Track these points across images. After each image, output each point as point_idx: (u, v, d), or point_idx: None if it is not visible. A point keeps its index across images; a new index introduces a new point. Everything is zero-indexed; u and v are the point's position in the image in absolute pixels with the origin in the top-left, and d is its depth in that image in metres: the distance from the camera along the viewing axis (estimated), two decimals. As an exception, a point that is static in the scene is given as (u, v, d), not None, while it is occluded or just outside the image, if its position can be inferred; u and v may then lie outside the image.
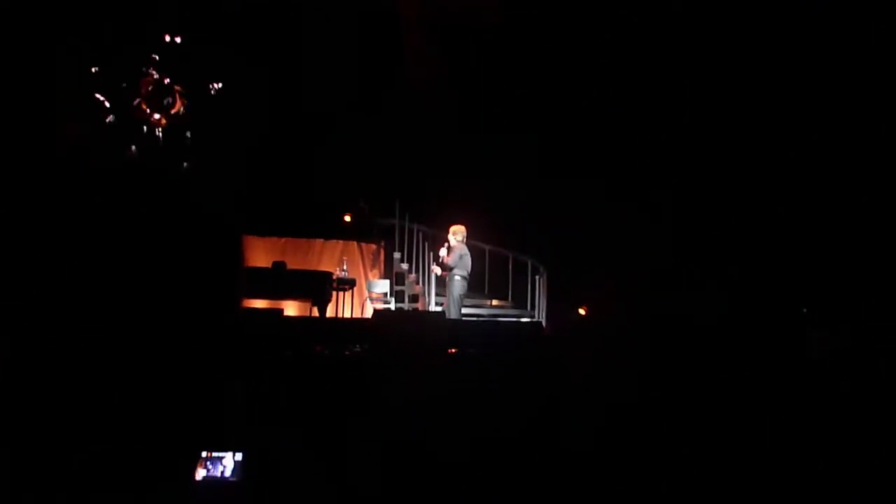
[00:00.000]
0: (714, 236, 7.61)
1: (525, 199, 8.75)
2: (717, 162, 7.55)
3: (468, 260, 7.29)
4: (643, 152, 8.15)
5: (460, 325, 6.33)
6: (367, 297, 8.70)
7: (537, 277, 8.58)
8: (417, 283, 8.74)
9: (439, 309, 7.94)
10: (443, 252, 7.37)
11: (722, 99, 7.25)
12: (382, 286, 8.77)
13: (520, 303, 8.83)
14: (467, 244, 7.43)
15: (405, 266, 8.78)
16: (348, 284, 7.89)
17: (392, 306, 8.49)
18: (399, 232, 8.97)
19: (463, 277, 7.19)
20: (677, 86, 7.48)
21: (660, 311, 7.27)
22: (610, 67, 7.87)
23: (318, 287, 6.97)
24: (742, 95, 7.10)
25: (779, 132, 7.02)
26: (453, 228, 7.39)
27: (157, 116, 8.07)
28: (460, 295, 7.13)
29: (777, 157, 7.09)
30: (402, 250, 8.92)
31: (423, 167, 8.81)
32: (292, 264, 7.67)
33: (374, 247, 9.42)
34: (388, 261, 9.12)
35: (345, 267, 8.04)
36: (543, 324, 7.82)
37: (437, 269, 7.47)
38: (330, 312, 7.35)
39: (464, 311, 7.34)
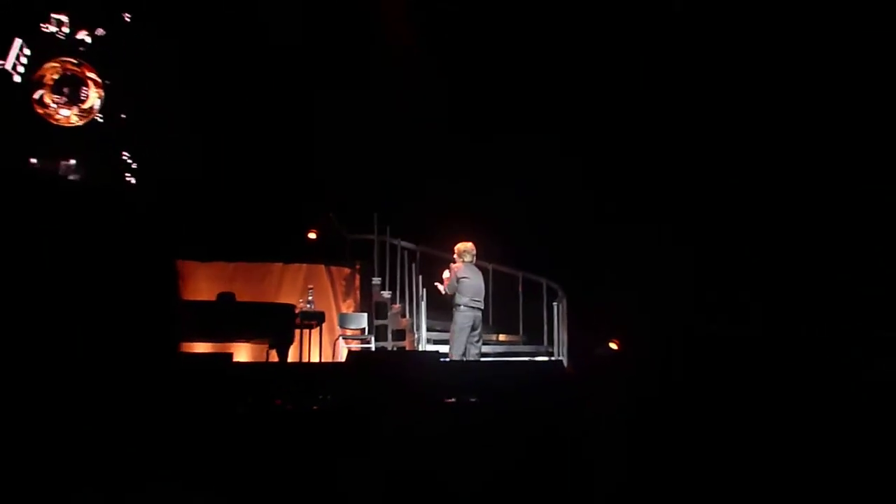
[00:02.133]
0: (768, 247, 7.82)
1: (535, 208, 9.00)
2: (767, 160, 7.75)
3: (474, 284, 7.21)
4: (678, 150, 8.42)
5: (460, 367, 6.29)
6: (340, 334, 8.72)
7: (555, 304, 8.63)
8: (404, 315, 8.82)
9: (432, 348, 8.02)
10: (445, 275, 7.40)
11: (767, 99, 7.48)
12: (359, 321, 8.81)
13: (534, 336, 8.89)
14: (476, 265, 7.47)
15: (387, 294, 8.90)
16: (315, 319, 7.91)
17: (371, 346, 8.52)
18: (378, 250, 9.13)
19: (468, 307, 7.14)
20: (715, 84, 7.76)
21: (709, 341, 7.27)
22: (639, 61, 8.18)
23: (277, 323, 6.98)
24: (789, 95, 7.47)
25: (837, 134, 7.27)
26: (458, 246, 7.39)
27: (65, 113, 7.97)
28: (462, 329, 7.11)
29: (837, 160, 7.33)
30: (382, 274, 9.08)
31: (407, 169, 9.01)
32: (243, 295, 7.69)
33: (347, 271, 9.47)
34: (366, 288, 9.27)
35: (310, 297, 8.03)
36: (565, 362, 7.91)
37: (440, 287, 7.48)
38: (293, 356, 7.43)
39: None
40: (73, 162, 8.02)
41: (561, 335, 8.51)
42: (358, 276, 9.56)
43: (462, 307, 7.17)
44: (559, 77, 8.35)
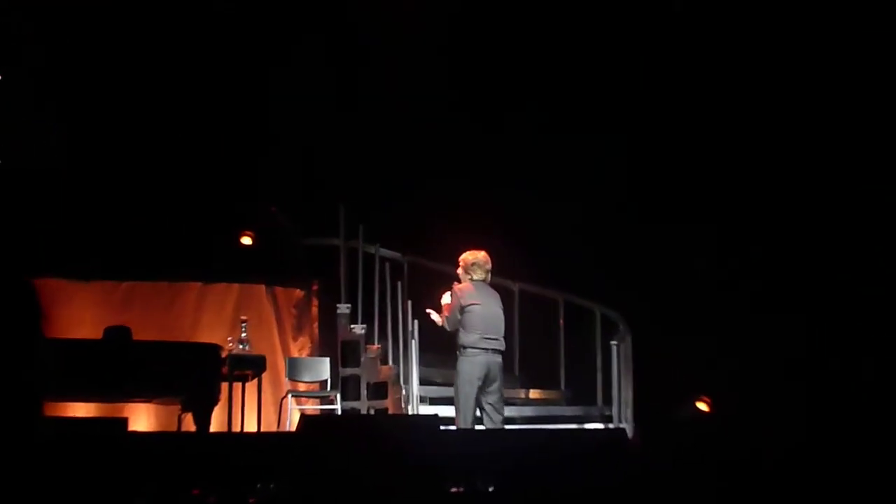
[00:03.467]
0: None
1: (582, 202, 9.07)
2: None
3: (487, 314, 7.12)
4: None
5: (470, 441, 6.26)
6: (289, 390, 8.71)
7: (614, 343, 8.60)
8: (386, 360, 8.70)
9: (429, 410, 7.91)
10: (445, 300, 7.33)
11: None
12: (317, 369, 8.82)
13: (581, 393, 8.88)
14: (493, 284, 7.43)
15: (360, 329, 8.87)
16: (251, 367, 7.94)
17: (337, 407, 8.50)
18: (347, 262, 9.14)
19: (478, 349, 7.08)
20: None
21: (849, 402, 7.66)
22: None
23: (194, 374, 7.05)
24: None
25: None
26: (464, 257, 7.32)
27: None
28: (469, 381, 6.97)
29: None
30: (353, 299, 9.03)
31: (391, 148, 9.13)
32: (143, 331, 7.68)
33: (299, 293, 9.52)
34: (328, 320, 9.28)
35: (244, 334, 8.06)
36: (629, 432, 7.88)
37: (435, 316, 7.45)
38: (217, 423, 7.39)
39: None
40: None
41: (623, 390, 8.47)
42: (316, 302, 9.54)
43: (469, 350, 7.09)
44: (601, 43, 9.12)
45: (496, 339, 7.15)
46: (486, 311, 7.16)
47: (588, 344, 8.86)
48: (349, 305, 9.02)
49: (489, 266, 7.35)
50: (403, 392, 8.30)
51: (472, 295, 7.17)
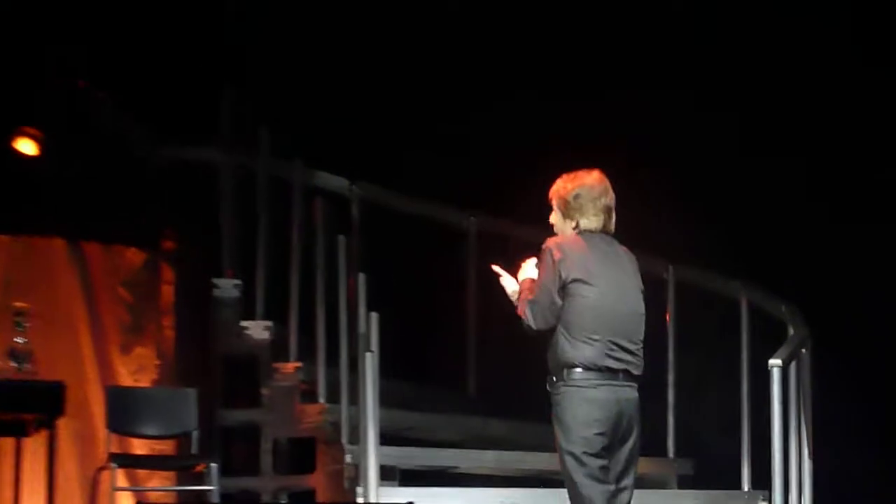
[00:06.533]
0: None
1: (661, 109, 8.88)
2: None
3: (611, 301, 6.41)
4: None
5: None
6: (109, 455, 7.86)
7: (775, 364, 7.58)
8: (316, 397, 8.13)
9: (406, 497, 7.31)
10: (526, 271, 6.49)
11: None
12: (171, 413, 8.23)
13: (709, 462, 8.36)
14: (617, 235, 6.66)
15: (263, 330, 8.41)
16: (36, 406, 7.67)
17: (211, 490, 7.77)
18: (234, 196, 8.76)
19: (594, 370, 6.18)
20: None
21: None
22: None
23: None
24: None
25: None
26: (558, 187, 6.53)
27: None
28: (585, 439, 6.09)
29: None
30: (248, 270, 8.57)
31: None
32: None
33: (135, 257, 9.09)
34: (194, 312, 8.74)
35: (20, 338, 7.78)
36: None
37: (509, 284, 6.45)
38: None
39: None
40: None
41: (797, 456, 7.52)
42: (171, 275, 8.94)
43: (579, 372, 6.09)
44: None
45: (631, 351, 6.23)
46: (612, 294, 6.29)
47: (722, 363, 8.19)
48: (239, 283, 8.44)
49: (609, 199, 6.39)
50: (348, 458, 7.54)
51: (586, 258, 6.28)
